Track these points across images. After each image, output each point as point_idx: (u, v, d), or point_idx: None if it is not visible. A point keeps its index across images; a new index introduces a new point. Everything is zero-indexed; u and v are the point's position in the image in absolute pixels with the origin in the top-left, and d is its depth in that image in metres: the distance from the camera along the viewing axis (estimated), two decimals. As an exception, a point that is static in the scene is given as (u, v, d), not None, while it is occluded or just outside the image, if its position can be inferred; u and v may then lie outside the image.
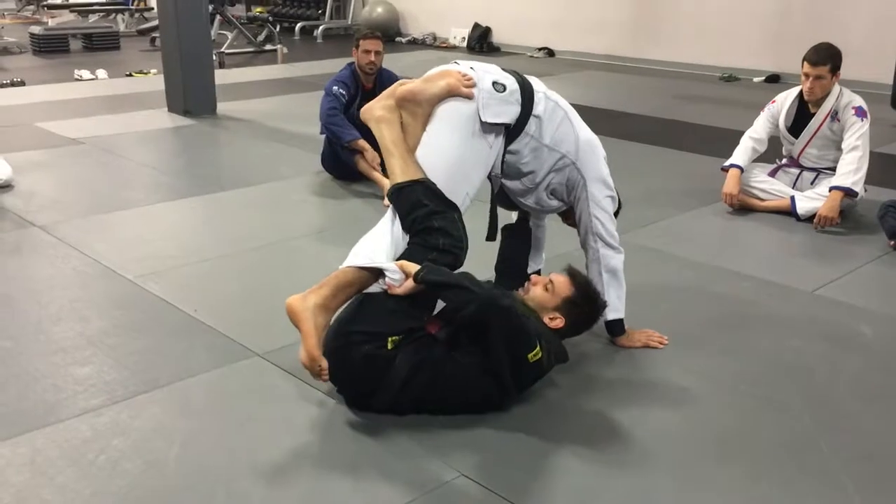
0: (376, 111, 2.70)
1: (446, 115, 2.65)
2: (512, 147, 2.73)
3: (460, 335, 2.44)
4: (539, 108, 2.72)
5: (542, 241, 3.24)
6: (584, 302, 2.67)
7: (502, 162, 2.75)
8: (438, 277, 2.39)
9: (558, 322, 2.62)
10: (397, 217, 2.58)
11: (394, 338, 2.40)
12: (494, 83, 2.67)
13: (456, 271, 2.50)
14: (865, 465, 2.30)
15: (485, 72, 2.72)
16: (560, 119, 2.77)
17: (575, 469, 2.27)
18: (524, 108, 2.69)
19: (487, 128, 2.64)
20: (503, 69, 2.79)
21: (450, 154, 2.62)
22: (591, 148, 2.82)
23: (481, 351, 2.40)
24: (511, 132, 2.70)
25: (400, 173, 2.58)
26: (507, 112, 2.67)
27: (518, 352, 2.39)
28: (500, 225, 2.99)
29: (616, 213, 2.92)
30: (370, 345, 2.39)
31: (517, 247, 3.07)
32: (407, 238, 2.55)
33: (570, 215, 2.96)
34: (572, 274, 2.71)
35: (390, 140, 2.65)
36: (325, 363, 2.36)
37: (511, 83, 2.70)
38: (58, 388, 2.63)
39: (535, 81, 2.80)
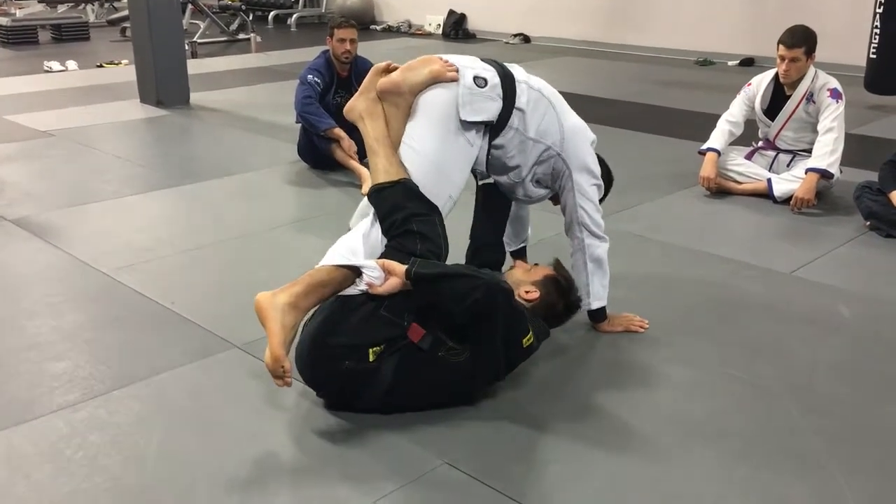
0: (360, 106, 2.65)
1: (428, 113, 2.60)
2: (497, 142, 2.69)
3: (446, 336, 2.33)
4: (522, 100, 2.68)
5: (527, 218, 3.21)
6: (564, 282, 2.68)
7: (487, 157, 2.71)
8: (434, 270, 2.31)
9: (533, 294, 2.60)
10: (377, 220, 2.52)
11: (375, 348, 2.31)
12: (475, 78, 2.61)
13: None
14: (847, 446, 2.31)
15: (464, 66, 2.65)
16: (544, 109, 2.73)
17: (559, 454, 2.26)
18: (506, 102, 2.65)
19: (469, 125, 2.60)
20: (483, 59, 2.74)
21: (431, 157, 2.57)
22: (576, 136, 2.77)
23: (472, 344, 2.33)
24: (494, 127, 2.66)
25: (382, 172, 2.53)
26: (488, 108, 2.62)
27: (514, 337, 2.37)
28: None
29: (603, 198, 2.91)
30: (350, 360, 2.30)
31: (496, 206, 2.96)
32: (385, 241, 2.49)
33: (559, 198, 2.93)
34: (558, 264, 2.76)
35: (374, 137, 2.59)
36: (288, 364, 2.26)
37: (492, 76, 2.65)
38: (33, 384, 2.59)
39: (516, 70, 2.75)
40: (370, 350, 2.31)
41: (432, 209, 2.52)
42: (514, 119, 2.67)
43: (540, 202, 3.01)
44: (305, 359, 2.38)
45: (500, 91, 2.64)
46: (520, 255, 3.23)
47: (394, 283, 2.33)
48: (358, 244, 2.47)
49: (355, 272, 2.38)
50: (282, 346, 2.25)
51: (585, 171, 2.79)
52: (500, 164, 2.76)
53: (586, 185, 2.80)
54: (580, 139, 2.79)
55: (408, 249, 2.41)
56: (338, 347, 2.31)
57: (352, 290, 2.38)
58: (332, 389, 2.42)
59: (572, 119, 2.80)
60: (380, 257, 2.43)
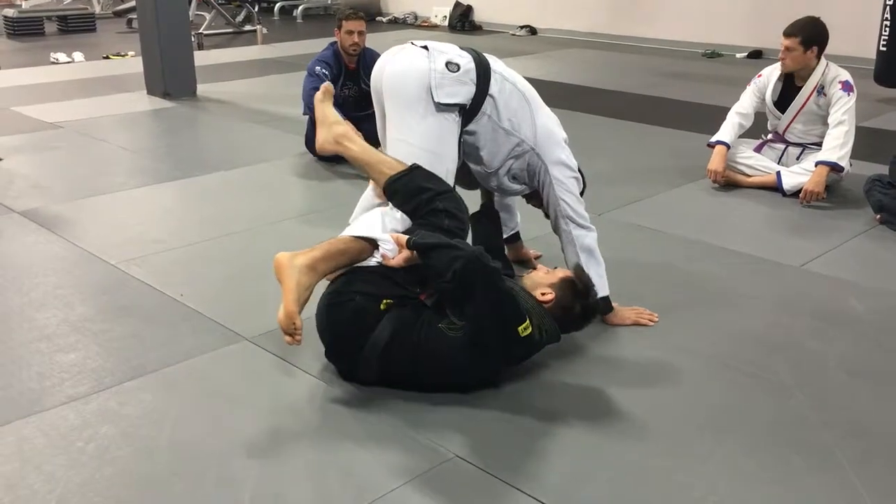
0: (328, 137, 2.70)
1: (404, 103, 2.65)
2: (470, 128, 2.73)
3: (447, 309, 2.40)
4: (495, 87, 2.72)
5: (513, 206, 3.27)
6: (581, 285, 2.62)
7: (460, 141, 2.74)
8: (429, 240, 2.37)
9: (549, 296, 2.58)
10: (394, 208, 2.58)
11: (387, 300, 2.40)
12: (448, 63, 2.66)
13: None
14: (858, 440, 2.30)
15: (439, 52, 2.70)
16: (517, 102, 2.77)
17: (568, 448, 2.26)
18: (479, 88, 2.69)
19: (442, 108, 2.64)
20: (461, 47, 2.79)
21: (422, 143, 2.62)
22: (549, 132, 2.82)
23: (469, 324, 2.35)
24: (468, 112, 2.70)
25: (388, 167, 2.59)
26: (461, 92, 2.66)
27: (506, 321, 2.35)
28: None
29: (581, 193, 2.93)
30: (362, 297, 2.40)
31: (490, 231, 3.06)
32: (405, 219, 2.55)
33: (533, 196, 2.98)
34: (579, 268, 2.74)
35: (359, 150, 2.67)
36: (300, 322, 2.32)
37: (465, 62, 2.70)
38: (43, 376, 2.59)
39: (493, 61, 2.80)
40: (383, 300, 2.40)
41: (450, 187, 2.60)
42: (487, 105, 2.72)
43: (515, 196, 3.08)
44: (322, 304, 2.46)
45: (473, 76, 2.69)
46: (512, 241, 3.28)
47: (405, 256, 2.40)
48: (377, 221, 2.53)
49: (373, 245, 2.45)
50: (296, 303, 2.32)
51: (561, 164, 2.82)
52: (474, 150, 2.80)
53: (564, 178, 2.83)
54: (553, 135, 2.83)
55: (434, 226, 2.49)
56: (356, 293, 2.42)
57: (368, 262, 2.47)
58: (337, 332, 2.46)
59: (545, 116, 2.84)
60: (405, 231, 2.50)
